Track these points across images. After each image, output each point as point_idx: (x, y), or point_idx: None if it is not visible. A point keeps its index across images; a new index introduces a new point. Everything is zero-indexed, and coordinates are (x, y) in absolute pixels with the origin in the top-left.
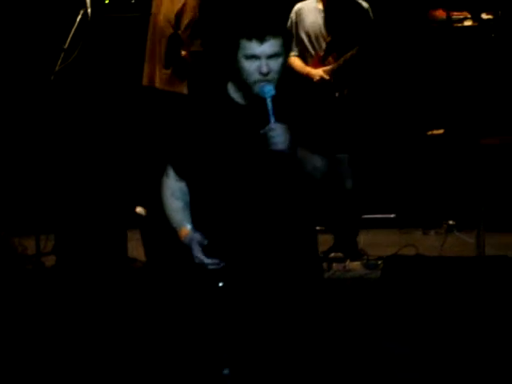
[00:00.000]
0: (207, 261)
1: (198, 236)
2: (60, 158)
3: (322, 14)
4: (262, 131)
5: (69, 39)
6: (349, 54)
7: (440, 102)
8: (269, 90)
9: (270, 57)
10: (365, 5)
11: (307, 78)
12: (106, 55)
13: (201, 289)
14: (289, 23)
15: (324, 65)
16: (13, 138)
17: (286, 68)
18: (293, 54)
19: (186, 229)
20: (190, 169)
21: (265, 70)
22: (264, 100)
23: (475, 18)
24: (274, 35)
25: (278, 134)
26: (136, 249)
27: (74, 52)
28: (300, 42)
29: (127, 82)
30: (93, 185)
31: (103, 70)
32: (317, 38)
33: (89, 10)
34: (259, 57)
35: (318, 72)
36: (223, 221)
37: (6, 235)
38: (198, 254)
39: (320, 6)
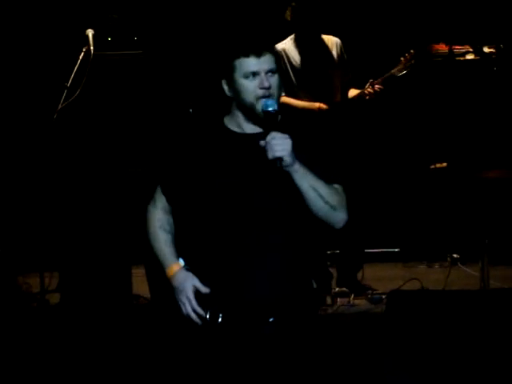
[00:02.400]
0: (198, 310)
1: (193, 278)
2: (64, 196)
3: (300, 52)
4: (261, 143)
5: (71, 77)
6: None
7: (443, 135)
8: (272, 103)
9: (268, 72)
10: (335, 39)
11: (318, 113)
12: (109, 93)
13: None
14: None
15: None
16: (16, 175)
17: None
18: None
19: (179, 264)
20: (183, 198)
21: (266, 84)
22: (263, 120)
23: (477, 51)
24: (270, 51)
25: (280, 141)
26: (141, 285)
27: (77, 90)
28: (291, 80)
29: (130, 119)
30: (97, 222)
31: (106, 107)
32: (304, 76)
33: (91, 48)
34: (258, 73)
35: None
36: (219, 253)
37: (10, 273)
38: (189, 291)
39: (295, 44)
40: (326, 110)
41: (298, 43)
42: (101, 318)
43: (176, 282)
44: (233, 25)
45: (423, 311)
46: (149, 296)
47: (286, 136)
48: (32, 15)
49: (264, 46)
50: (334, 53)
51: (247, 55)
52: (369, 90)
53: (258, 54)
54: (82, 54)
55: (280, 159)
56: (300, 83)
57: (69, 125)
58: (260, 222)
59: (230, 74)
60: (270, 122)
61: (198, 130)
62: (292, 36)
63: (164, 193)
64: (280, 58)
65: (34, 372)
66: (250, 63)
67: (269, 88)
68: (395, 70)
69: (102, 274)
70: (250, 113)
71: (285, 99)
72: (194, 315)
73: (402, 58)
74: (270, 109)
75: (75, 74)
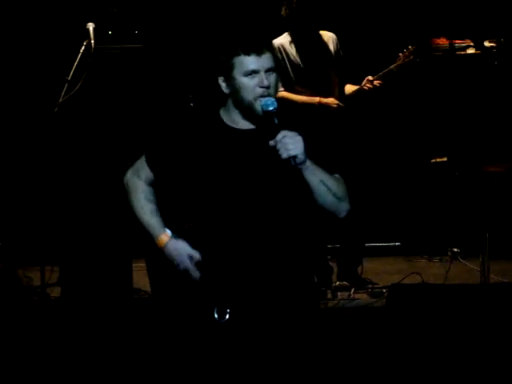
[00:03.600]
0: (193, 270)
1: (183, 244)
2: (65, 190)
3: (298, 48)
4: (271, 142)
5: (72, 70)
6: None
7: (443, 129)
8: (272, 102)
9: (267, 71)
10: (330, 35)
11: (318, 107)
12: (110, 86)
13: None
14: None
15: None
16: (17, 169)
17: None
18: (282, 89)
19: (167, 235)
20: (172, 179)
21: (265, 83)
22: (262, 119)
23: (478, 45)
24: (270, 50)
25: (292, 140)
26: (141, 279)
27: (78, 83)
28: (289, 75)
29: (130, 113)
30: (98, 216)
31: (107, 101)
32: (302, 71)
33: (92, 41)
34: (258, 71)
35: (333, 100)
36: (216, 246)
37: (11, 267)
38: (186, 261)
39: (292, 40)
40: (326, 103)
41: (294, 39)
42: (101, 311)
43: (169, 253)
44: (232, 21)
45: (423, 305)
46: (149, 290)
47: (296, 134)
48: (33, 9)
49: (264, 44)
50: (331, 48)
51: (248, 53)
52: (368, 85)
53: (259, 53)
54: (83, 47)
55: (294, 157)
56: (298, 79)
57: (69, 118)
58: (257, 217)
59: (228, 71)
60: (269, 121)
61: (195, 121)
62: (288, 32)
63: (152, 168)
64: (277, 54)
65: (35, 365)
66: (251, 61)
67: (268, 87)
68: (394, 65)
69: (102, 267)
70: (248, 111)
71: (284, 94)
72: (194, 270)
73: (400, 54)
74: (271, 108)
75: (76, 67)
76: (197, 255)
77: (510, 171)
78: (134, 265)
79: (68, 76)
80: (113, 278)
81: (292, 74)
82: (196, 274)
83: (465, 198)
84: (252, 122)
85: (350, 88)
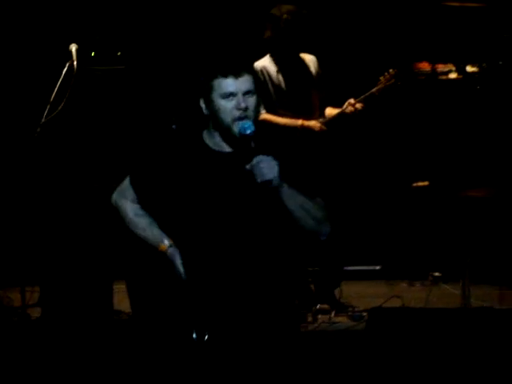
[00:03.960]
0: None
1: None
2: (46, 210)
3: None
4: (247, 166)
5: (55, 92)
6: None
7: (425, 153)
8: (249, 126)
9: (245, 93)
10: (311, 57)
11: (301, 129)
12: (92, 107)
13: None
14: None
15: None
16: None
17: (262, 122)
18: (263, 111)
19: (164, 245)
20: (156, 206)
21: (243, 105)
22: (239, 141)
23: (460, 70)
24: (248, 72)
25: (267, 164)
26: (122, 301)
27: (60, 104)
28: (272, 98)
29: (112, 134)
30: (78, 237)
31: (89, 122)
32: (284, 94)
33: (75, 63)
34: (236, 93)
35: (315, 123)
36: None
37: None
38: (179, 268)
39: (274, 62)
40: (308, 126)
41: (277, 61)
42: (82, 332)
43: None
44: (212, 43)
45: (404, 329)
46: (130, 311)
47: (272, 158)
48: (17, 30)
49: (242, 66)
50: (312, 70)
51: (225, 75)
52: (350, 108)
53: (236, 75)
54: (66, 68)
55: (269, 182)
56: (280, 101)
57: (51, 139)
58: (237, 241)
59: (207, 93)
60: (247, 144)
61: (178, 144)
62: (271, 53)
63: (136, 190)
64: (260, 76)
65: None
66: (228, 84)
67: (245, 109)
68: (375, 88)
69: (83, 288)
70: (227, 133)
71: (266, 116)
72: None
73: (381, 77)
74: (248, 132)
75: (58, 88)
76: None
77: (491, 196)
78: (114, 286)
79: (50, 97)
80: (93, 299)
81: (274, 96)
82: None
83: (446, 222)
84: (230, 145)
85: (330, 110)
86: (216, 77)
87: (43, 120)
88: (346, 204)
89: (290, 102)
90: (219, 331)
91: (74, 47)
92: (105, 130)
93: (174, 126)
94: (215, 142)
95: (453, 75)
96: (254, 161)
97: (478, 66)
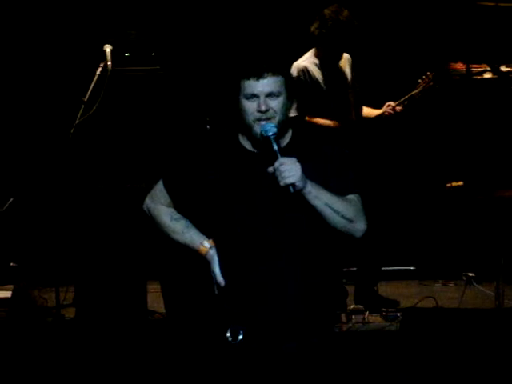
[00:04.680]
0: (220, 279)
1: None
2: (81, 211)
3: (322, 70)
4: (269, 169)
5: (89, 92)
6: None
7: (460, 154)
8: (270, 128)
9: (268, 95)
10: (347, 56)
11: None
12: (126, 108)
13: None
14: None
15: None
16: (34, 190)
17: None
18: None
19: (205, 247)
20: (191, 207)
21: (263, 107)
22: (261, 143)
23: (495, 70)
24: (273, 73)
25: (289, 167)
26: (156, 301)
27: (94, 105)
28: (313, 99)
29: (147, 135)
30: (113, 237)
31: (123, 123)
32: (328, 93)
33: (109, 63)
34: (258, 95)
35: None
36: (234, 272)
37: (26, 287)
38: (216, 269)
39: (317, 61)
40: (342, 128)
41: (321, 59)
42: (116, 332)
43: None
44: (246, 43)
45: (438, 329)
46: (164, 312)
47: (295, 160)
48: (51, 30)
49: (268, 68)
50: (348, 70)
51: (249, 77)
52: (389, 111)
53: (258, 77)
54: (100, 69)
55: (292, 185)
56: (320, 101)
57: (85, 140)
58: (275, 244)
59: (237, 93)
60: (268, 146)
61: (213, 144)
62: (313, 51)
63: (170, 193)
64: (301, 76)
65: None
66: (251, 85)
67: (266, 111)
68: (415, 91)
69: (117, 288)
70: (249, 134)
71: (310, 119)
72: (220, 279)
73: (419, 80)
74: (270, 134)
75: (92, 89)
76: (220, 279)
77: None
78: (148, 286)
79: (85, 97)
80: (127, 300)
81: (314, 96)
82: (221, 280)
83: (480, 222)
84: (253, 146)
85: (368, 111)
86: (242, 78)
87: (77, 121)
88: (381, 204)
89: (328, 101)
90: (253, 332)
91: (108, 48)
92: (138, 130)
93: (208, 127)
94: (247, 141)
95: (487, 75)
96: (276, 164)
97: None
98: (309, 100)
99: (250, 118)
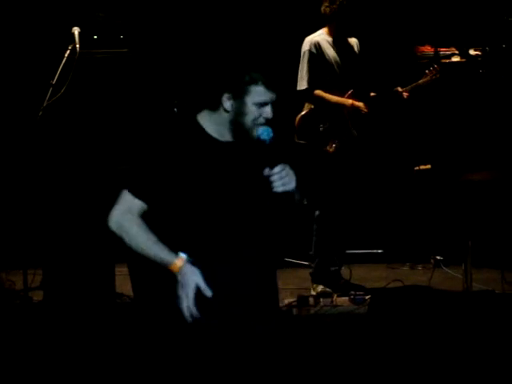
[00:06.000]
0: (193, 309)
1: (198, 276)
2: (48, 193)
3: (334, 47)
4: (266, 172)
5: (57, 75)
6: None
7: (427, 137)
8: (268, 134)
9: (273, 102)
10: (354, 39)
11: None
12: (94, 91)
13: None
14: (306, 56)
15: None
16: (0, 173)
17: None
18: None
19: (182, 259)
20: (163, 201)
21: (271, 116)
22: (254, 143)
23: (463, 53)
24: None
25: (287, 174)
26: (124, 284)
27: (62, 88)
28: (323, 74)
29: (115, 117)
30: (80, 220)
31: (91, 105)
32: (339, 70)
33: (77, 46)
34: (268, 103)
35: (363, 105)
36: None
37: None
38: (190, 294)
39: (330, 39)
40: (358, 107)
41: (334, 38)
42: (84, 315)
43: (181, 276)
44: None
45: (406, 310)
46: (132, 295)
47: (289, 167)
48: (18, 13)
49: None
50: (356, 51)
51: (260, 84)
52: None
53: (272, 87)
54: (68, 51)
55: (288, 192)
56: (330, 78)
57: (54, 122)
58: (243, 235)
59: (241, 94)
60: (264, 149)
61: (177, 132)
62: (324, 30)
63: (143, 198)
64: (313, 50)
65: (16, 369)
66: (266, 93)
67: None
68: (422, 81)
69: (85, 271)
70: (243, 133)
71: (318, 92)
72: (187, 312)
73: (426, 71)
74: (267, 139)
75: (60, 71)
76: (206, 291)
77: (493, 179)
78: (116, 269)
79: (53, 80)
80: (95, 282)
81: (325, 73)
82: (191, 304)
83: (448, 205)
84: (237, 139)
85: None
86: (256, 83)
87: (45, 103)
88: (348, 187)
89: (339, 79)
90: (220, 315)
91: (76, 30)
92: (107, 113)
93: (175, 110)
94: (219, 131)
95: (456, 59)
96: (277, 169)
97: (480, 50)
98: (319, 74)
99: (253, 122)
